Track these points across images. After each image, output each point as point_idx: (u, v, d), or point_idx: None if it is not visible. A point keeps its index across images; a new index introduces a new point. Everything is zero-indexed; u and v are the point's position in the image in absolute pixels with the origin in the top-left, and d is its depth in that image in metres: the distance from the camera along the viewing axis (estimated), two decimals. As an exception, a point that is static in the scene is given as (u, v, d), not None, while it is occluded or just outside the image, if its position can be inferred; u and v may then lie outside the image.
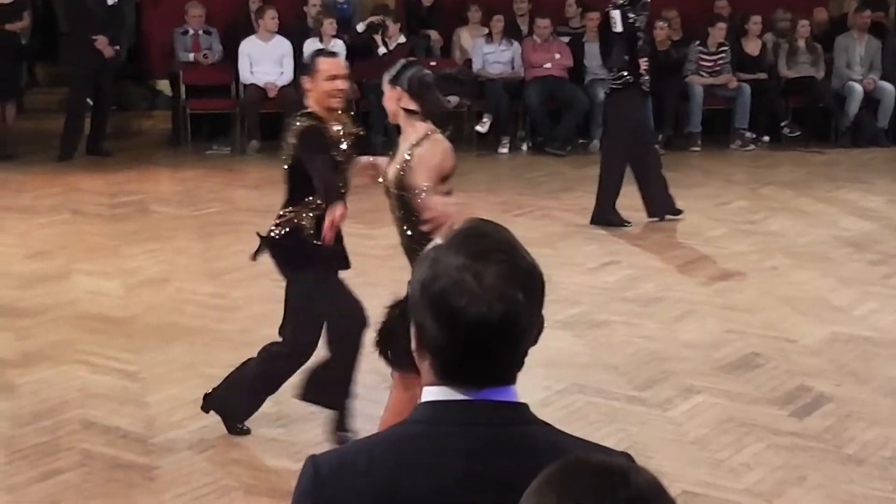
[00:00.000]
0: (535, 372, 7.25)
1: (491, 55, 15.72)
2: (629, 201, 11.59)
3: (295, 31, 15.27)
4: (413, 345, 2.24)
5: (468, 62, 15.80)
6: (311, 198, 6.24)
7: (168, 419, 6.88)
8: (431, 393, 2.22)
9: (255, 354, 6.61)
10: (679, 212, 11.72)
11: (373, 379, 6.81)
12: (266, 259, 6.44)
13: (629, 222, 11.50)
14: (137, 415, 6.95)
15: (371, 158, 6.30)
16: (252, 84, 14.85)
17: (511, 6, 16.35)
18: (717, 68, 15.93)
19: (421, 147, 5.72)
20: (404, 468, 2.17)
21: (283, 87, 14.77)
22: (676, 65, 15.64)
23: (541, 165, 14.70)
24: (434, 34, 16.31)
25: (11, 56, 14.43)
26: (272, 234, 6.38)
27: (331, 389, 6.52)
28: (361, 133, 6.65)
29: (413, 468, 2.17)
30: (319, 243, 6.16)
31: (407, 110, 5.75)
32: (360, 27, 15.09)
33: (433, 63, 15.54)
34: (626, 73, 11.29)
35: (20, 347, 8.04)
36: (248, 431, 6.67)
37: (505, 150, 15.43)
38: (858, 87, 16.05)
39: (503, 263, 2.14)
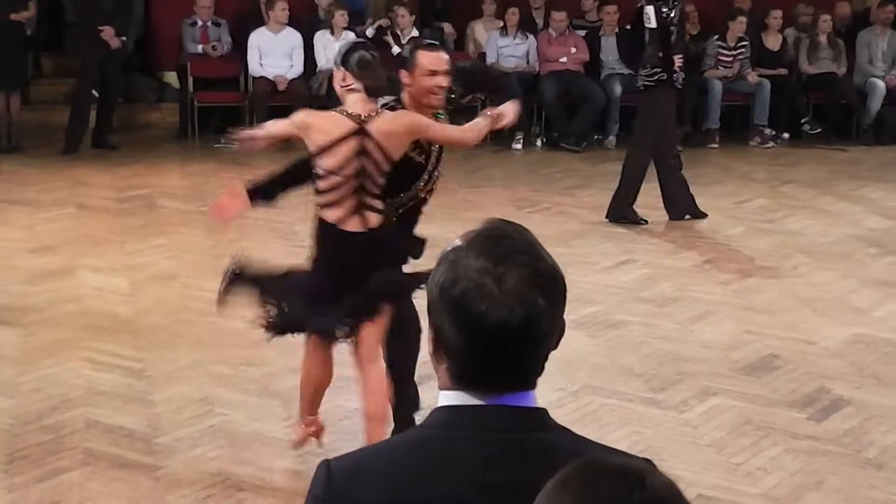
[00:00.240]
0: (548, 373, 6.81)
1: (505, 49, 15.64)
2: (648, 199, 11.53)
3: (306, 23, 15.21)
4: (430, 348, 2.21)
5: (482, 56, 15.71)
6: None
7: (174, 418, 6.81)
8: (448, 398, 2.21)
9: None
10: (703, 215, 11.63)
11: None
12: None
13: (646, 220, 11.38)
14: (142, 413, 6.88)
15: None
16: (261, 77, 14.81)
17: (527, -1, 16.22)
18: (737, 64, 15.77)
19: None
20: (420, 474, 2.15)
21: (293, 80, 14.76)
22: (695, 60, 15.43)
23: (556, 161, 14.61)
24: (448, 27, 16.26)
25: (16, 47, 14.32)
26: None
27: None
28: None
29: (429, 474, 2.15)
30: None
31: (349, 89, 5.80)
32: (370, 32, 15.11)
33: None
34: (659, 70, 11.16)
35: (23, 344, 7.97)
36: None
37: (519, 146, 15.32)
38: (881, 84, 15.97)
39: (525, 267, 2.13)
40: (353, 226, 5.82)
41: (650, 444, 6.52)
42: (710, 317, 8.79)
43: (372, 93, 5.84)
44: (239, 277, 6.08)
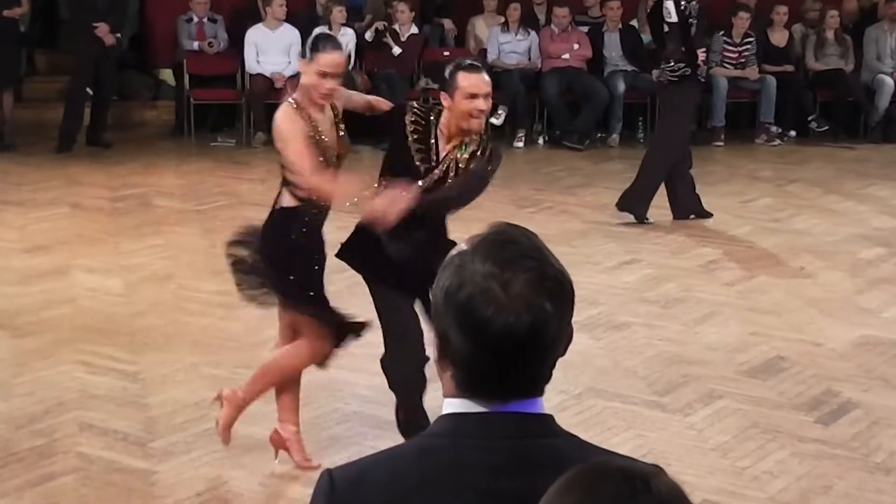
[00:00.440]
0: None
1: (507, 45, 15.56)
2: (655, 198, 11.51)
3: (303, 19, 15.15)
4: (434, 355, 2.19)
5: (483, 52, 15.64)
6: None
7: (169, 422, 6.78)
8: (453, 406, 2.18)
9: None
10: (708, 214, 11.55)
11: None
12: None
13: (651, 221, 11.28)
14: (137, 417, 6.85)
15: None
16: (258, 74, 14.76)
17: (528, -6, 16.19)
18: (742, 60, 15.69)
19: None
20: (425, 483, 2.13)
21: (291, 77, 14.49)
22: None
23: (558, 160, 14.56)
24: (448, 23, 16.25)
25: (10, 43, 14.27)
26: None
27: None
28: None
29: (434, 483, 2.13)
30: None
31: None
32: (369, 35, 15.05)
33: (447, 53, 15.31)
34: (683, 65, 11.08)
35: (16, 346, 7.94)
36: None
37: (521, 144, 15.25)
38: (889, 81, 15.90)
39: (531, 271, 2.11)
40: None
41: (654, 447, 6.50)
42: (715, 318, 8.75)
43: None
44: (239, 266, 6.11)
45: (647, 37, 15.83)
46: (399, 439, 5.86)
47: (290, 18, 14.88)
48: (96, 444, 6.46)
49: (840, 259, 10.32)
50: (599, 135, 15.57)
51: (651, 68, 15.25)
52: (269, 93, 14.51)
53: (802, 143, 15.67)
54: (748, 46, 15.65)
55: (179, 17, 15.33)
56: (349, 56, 14.56)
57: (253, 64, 14.75)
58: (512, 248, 2.13)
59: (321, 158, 5.84)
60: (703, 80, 11.34)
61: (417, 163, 5.85)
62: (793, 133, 15.90)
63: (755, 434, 6.72)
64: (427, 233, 5.86)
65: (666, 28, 11.24)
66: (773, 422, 6.88)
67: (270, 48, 14.74)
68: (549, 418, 2.19)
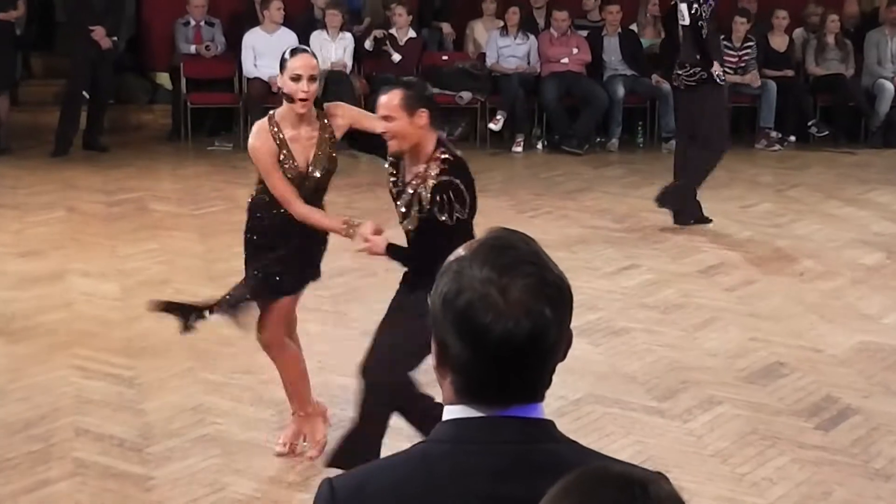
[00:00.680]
0: (550, 380, 6.96)
1: (506, 49, 15.48)
2: (650, 203, 11.47)
3: (301, 22, 15.08)
4: (433, 362, 2.19)
5: (482, 56, 15.59)
6: None
7: (166, 427, 6.78)
8: (453, 412, 2.18)
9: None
10: (708, 220, 11.53)
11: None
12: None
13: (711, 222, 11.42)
14: (133, 422, 6.85)
15: None
16: (256, 78, 14.67)
17: (528, -2, 16.16)
18: (743, 65, 15.65)
19: None
20: (427, 490, 2.13)
21: None
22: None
23: (557, 165, 14.53)
24: (447, 27, 16.16)
25: (6, 46, 14.23)
26: None
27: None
28: None
29: (436, 490, 2.13)
30: None
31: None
32: (368, 45, 15.10)
33: (445, 57, 15.28)
34: (699, 69, 11.10)
35: (11, 351, 7.94)
36: None
37: (519, 149, 15.20)
38: (889, 85, 15.86)
39: (530, 277, 2.10)
40: None
41: (653, 454, 6.51)
42: (715, 323, 8.75)
43: None
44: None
45: (646, 41, 15.84)
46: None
47: (287, 22, 14.79)
48: (92, 450, 6.45)
49: (840, 265, 10.33)
50: (599, 139, 15.55)
51: (651, 72, 15.23)
52: (266, 96, 14.45)
53: (803, 148, 15.65)
54: (748, 51, 15.60)
55: (177, 21, 15.27)
56: (347, 62, 14.57)
57: (250, 68, 14.68)
58: (510, 253, 2.12)
59: (288, 177, 6.02)
60: (720, 82, 11.29)
61: (390, 184, 5.83)
62: (793, 138, 15.85)
63: (755, 440, 6.72)
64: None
65: (680, 31, 11.25)
66: (772, 428, 6.88)
67: (268, 52, 14.52)
68: (550, 424, 2.19)
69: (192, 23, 15.19)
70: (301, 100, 5.96)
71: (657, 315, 8.90)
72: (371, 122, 6.00)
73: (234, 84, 15.16)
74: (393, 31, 14.99)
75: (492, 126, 15.05)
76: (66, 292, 9.15)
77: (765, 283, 9.78)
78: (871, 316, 8.98)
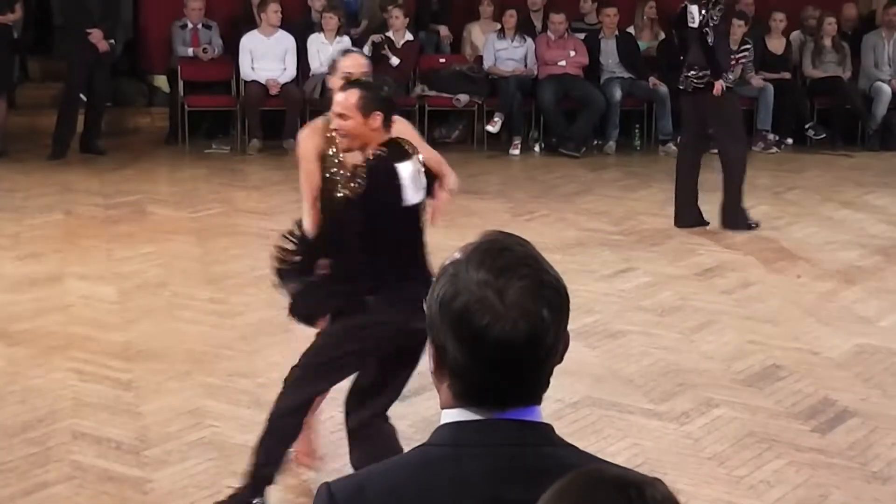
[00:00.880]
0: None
1: (503, 52, 15.45)
2: (649, 205, 11.61)
3: (299, 25, 15.09)
4: (431, 366, 2.19)
5: (479, 59, 15.58)
6: None
7: (163, 430, 6.77)
8: (451, 415, 2.18)
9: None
10: (705, 223, 11.53)
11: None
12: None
13: (757, 223, 11.44)
14: (131, 425, 6.84)
15: None
16: (253, 81, 14.67)
17: (524, 1, 16.09)
18: (739, 67, 15.47)
19: None
20: (426, 493, 2.13)
21: (286, 84, 14.63)
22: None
23: (554, 167, 14.50)
24: (444, 30, 16.14)
25: (3, 49, 14.18)
26: None
27: None
28: None
29: (435, 493, 2.13)
30: None
31: None
32: (366, 50, 14.95)
33: (443, 60, 15.27)
34: (707, 72, 11.12)
35: (9, 354, 7.91)
36: None
37: (517, 152, 15.16)
38: (886, 88, 15.81)
39: (527, 279, 2.10)
40: None
41: (650, 456, 6.51)
42: (712, 326, 8.74)
43: None
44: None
45: (643, 43, 15.82)
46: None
47: (285, 25, 14.80)
48: (90, 453, 6.45)
49: (837, 267, 10.31)
50: (596, 142, 15.49)
51: (648, 75, 15.22)
52: (263, 100, 14.57)
53: (800, 151, 15.61)
54: (745, 53, 15.53)
55: (174, 23, 15.21)
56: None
57: (248, 70, 14.67)
58: (507, 255, 2.13)
59: (327, 174, 5.74)
60: (729, 84, 11.30)
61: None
62: (790, 141, 15.82)
63: (752, 443, 6.71)
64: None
65: (689, 33, 11.24)
66: (770, 430, 6.87)
67: (265, 54, 14.66)
68: (548, 427, 2.19)
69: (190, 25, 15.14)
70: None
71: (654, 318, 8.88)
72: (439, 166, 6.00)
73: (231, 87, 15.12)
74: (390, 33, 14.97)
75: (489, 128, 15.02)
76: (63, 295, 9.13)
77: (762, 285, 9.77)
78: (868, 318, 8.96)
